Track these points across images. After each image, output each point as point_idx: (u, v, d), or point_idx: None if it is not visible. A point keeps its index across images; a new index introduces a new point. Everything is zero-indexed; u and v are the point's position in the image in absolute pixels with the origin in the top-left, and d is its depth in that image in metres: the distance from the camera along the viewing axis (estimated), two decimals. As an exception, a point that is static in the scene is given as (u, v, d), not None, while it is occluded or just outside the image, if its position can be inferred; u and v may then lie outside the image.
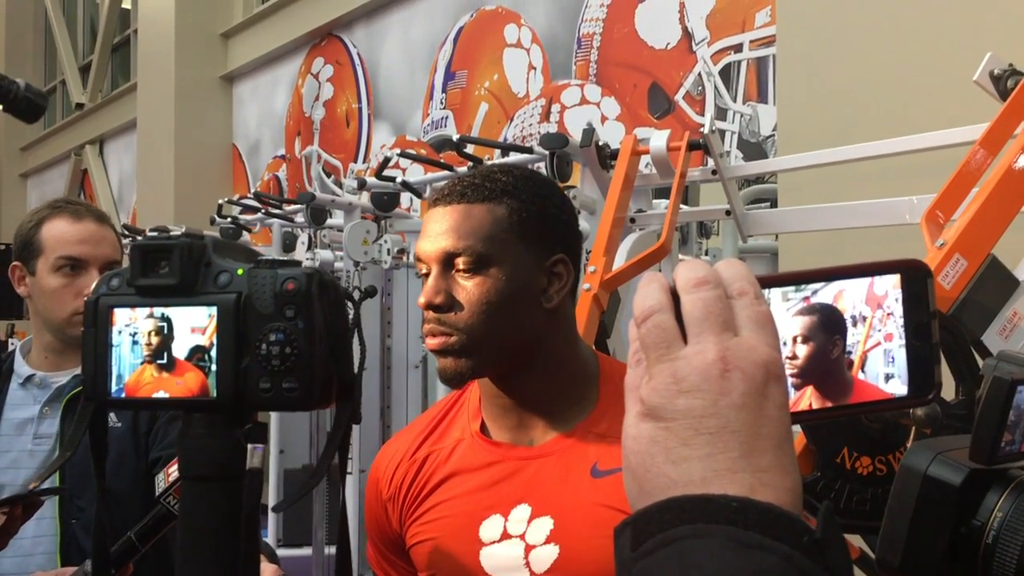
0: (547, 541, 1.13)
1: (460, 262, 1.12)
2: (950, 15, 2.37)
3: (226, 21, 8.56)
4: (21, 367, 1.74)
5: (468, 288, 1.12)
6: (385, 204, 3.71)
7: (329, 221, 4.06)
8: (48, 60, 13.19)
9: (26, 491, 1.39)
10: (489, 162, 3.34)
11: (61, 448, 1.68)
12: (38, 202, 1.74)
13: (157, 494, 1.09)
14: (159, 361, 0.73)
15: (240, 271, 0.72)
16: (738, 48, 4.32)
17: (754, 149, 4.20)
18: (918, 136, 1.96)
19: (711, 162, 2.29)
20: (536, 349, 1.16)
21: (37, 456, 1.67)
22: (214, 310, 0.72)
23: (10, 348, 1.83)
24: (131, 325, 0.73)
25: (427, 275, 1.15)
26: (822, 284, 0.53)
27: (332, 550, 4.13)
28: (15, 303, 1.83)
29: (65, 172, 11.89)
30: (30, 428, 1.69)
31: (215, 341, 0.72)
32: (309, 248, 4.21)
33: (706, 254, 3.44)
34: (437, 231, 1.14)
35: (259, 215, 4.64)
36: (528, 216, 1.14)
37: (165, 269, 0.72)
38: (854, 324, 0.53)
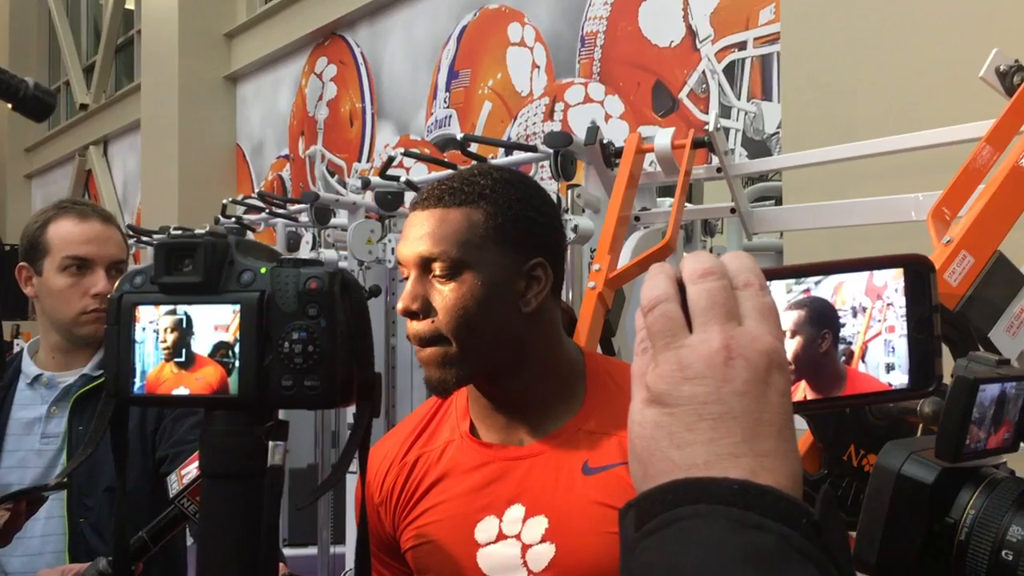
0: (543, 540, 1.14)
1: (436, 267, 1.12)
2: (956, 11, 2.37)
3: (229, 21, 8.56)
4: (29, 367, 1.75)
5: (444, 293, 1.12)
6: (389, 203, 3.72)
7: (333, 221, 4.06)
8: (52, 61, 13.20)
9: (29, 487, 1.40)
10: (492, 161, 3.34)
11: (71, 446, 1.68)
12: (43, 203, 1.75)
13: (172, 496, 1.10)
14: (177, 359, 0.73)
15: (263, 270, 0.72)
16: (742, 46, 4.32)
17: (758, 147, 4.19)
18: (923, 133, 1.96)
19: (715, 160, 2.29)
20: (518, 353, 1.16)
21: (45, 455, 1.68)
22: (238, 307, 0.72)
23: (16, 349, 1.84)
24: (155, 322, 0.73)
25: (408, 278, 1.15)
26: (824, 277, 0.54)
27: (337, 550, 4.14)
28: (21, 304, 1.84)
29: (69, 173, 11.90)
30: (38, 427, 1.70)
31: (238, 338, 0.72)
32: (313, 248, 4.21)
33: (711, 252, 3.43)
34: (415, 235, 1.14)
35: (263, 215, 4.64)
36: (505, 220, 1.14)
37: (189, 267, 0.72)
38: (854, 315, 0.54)
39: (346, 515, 3.67)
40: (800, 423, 0.95)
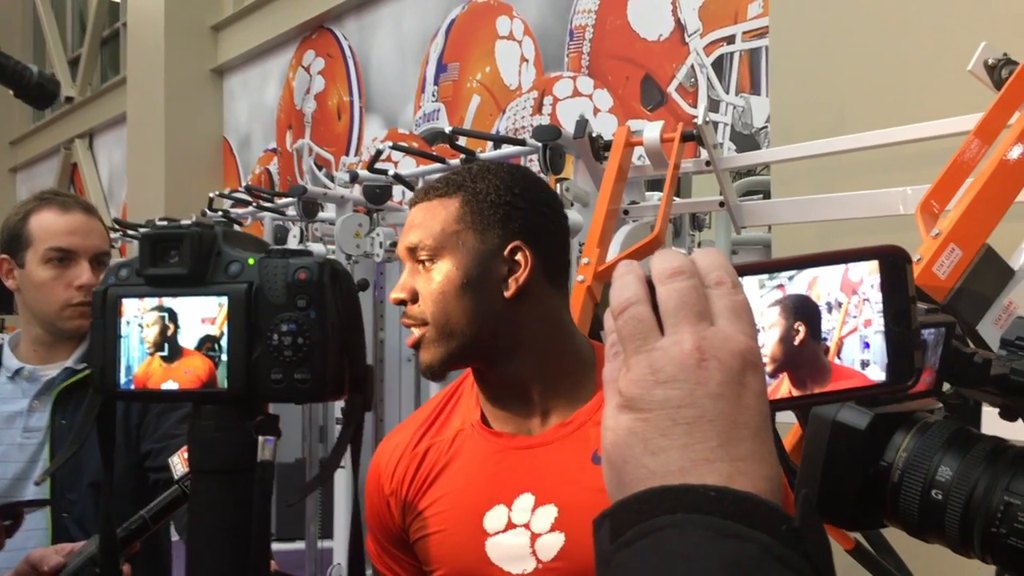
0: (552, 529, 1.13)
1: (420, 256, 1.18)
2: (944, 4, 2.38)
3: (216, 14, 8.51)
4: (10, 360, 1.73)
5: (426, 279, 1.17)
6: (377, 197, 3.70)
7: (321, 214, 4.05)
8: (37, 53, 13.08)
9: (8, 503, 1.39)
10: (481, 155, 3.33)
11: (53, 440, 1.67)
12: (27, 197, 1.75)
13: (176, 478, 1.11)
14: (161, 354, 0.72)
15: (251, 261, 0.71)
16: (731, 39, 4.32)
17: (747, 141, 4.20)
18: (912, 126, 1.96)
19: (704, 153, 2.29)
20: (506, 337, 1.18)
21: (26, 450, 1.66)
22: (225, 300, 0.71)
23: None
24: (140, 316, 0.72)
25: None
26: (798, 271, 0.53)
27: (325, 544, 4.13)
28: (5, 298, 1.82)
29: (55, 166, 11.81)
30: (19, 421, 1.68)
31: (226, 331, 0.71)
32: (301, 241, 4.19)
33: (699, 246, 3.44)
34: (405, 229, 1.21)
35: (250, 209, 4.62)
36: (482, 207, 1.17)
37: (175, 259, 0.71)
38: (829, 311, 0.52)
39: (334, 509, 3.66)
40: (790, 417, 0.95)
